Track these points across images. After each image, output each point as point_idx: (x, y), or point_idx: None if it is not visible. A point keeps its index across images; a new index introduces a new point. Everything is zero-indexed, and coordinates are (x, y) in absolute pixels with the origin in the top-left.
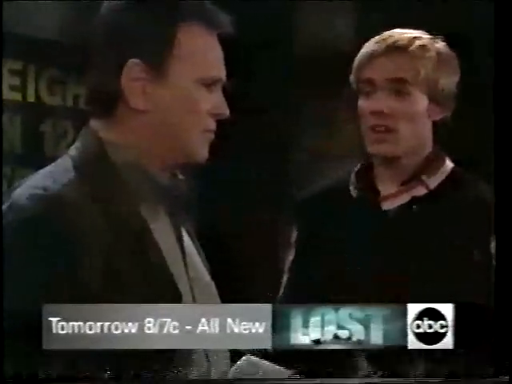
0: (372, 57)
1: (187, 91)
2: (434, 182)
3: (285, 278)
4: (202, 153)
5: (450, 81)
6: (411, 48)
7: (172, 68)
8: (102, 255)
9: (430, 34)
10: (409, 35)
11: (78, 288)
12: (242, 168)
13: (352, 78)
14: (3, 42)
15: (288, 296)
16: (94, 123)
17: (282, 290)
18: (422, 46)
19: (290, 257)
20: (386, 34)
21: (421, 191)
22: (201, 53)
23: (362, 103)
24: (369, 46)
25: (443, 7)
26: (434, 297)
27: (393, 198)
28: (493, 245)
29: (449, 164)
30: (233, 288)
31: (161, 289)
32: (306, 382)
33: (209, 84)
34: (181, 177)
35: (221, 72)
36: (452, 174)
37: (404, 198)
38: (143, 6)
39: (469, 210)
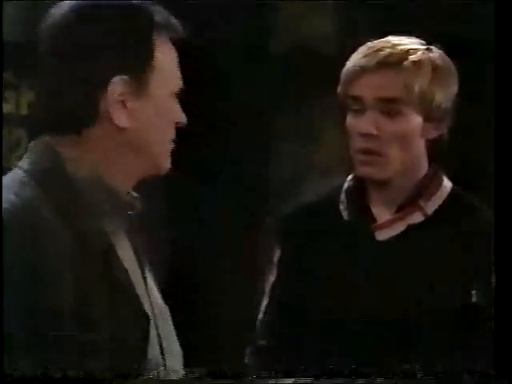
0: (361, 72)
1: (163, 104)
2: (431, 206)
3: (265, 302)
4: (167, 163)
5: (447, 95)
6: (404, 64)
7: (152, 82)
8: (71, 275)
9: (426, 42)
10: (401, 48)
11: (46, 310)
12: (217, 179)
13: (339, 91)
14: None
15: (267, 322)
16: (51, 137)
17: (261, 315)
18: (417, 61)
19: (272, 278)
20: (376, 45)
21: (417, 218)
22: (172, 63)
23: (349, 121)
24: (357, 60)
25: (442, 9)
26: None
27: (387, 227)
28: (494, 280)
29: (447, 184)
30: (206, 315)
31: (129, 310)
32: (305, 382)
33: (175, 95)
34: (134, 194)
35: (181, 81)
36: (451, 196)
37: (399, 227)
38: (114, 19)
39: (469, 237)
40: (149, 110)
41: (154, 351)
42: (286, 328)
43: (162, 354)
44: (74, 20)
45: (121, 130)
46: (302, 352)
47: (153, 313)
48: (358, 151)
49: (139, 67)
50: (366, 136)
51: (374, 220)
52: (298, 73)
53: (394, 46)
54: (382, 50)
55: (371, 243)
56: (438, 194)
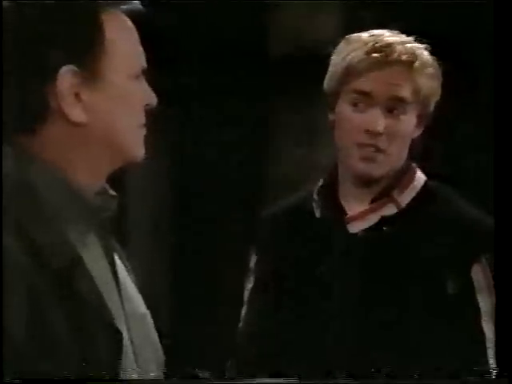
0: (371, 68)
1: (123, 89)
2: (405, 198)
3: (244, 310)
4: (140, 151)
5: (436, 98)
6: (415, 64)
7: (106, 67)
8: (29, 294)
9: (420, 41)
10: (410, 46)
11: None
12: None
13: (334, 82)
14: None
15: (248, 330)
16: (12, 138)
17: (241, 324)
18: (425, 62)
19: (249, 284)
20: (382, 39)
21: (391, 210)
22: (128, 41)
23: (350, 115)
24: (363, 54)
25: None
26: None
27: (360, 218)
28: (475, 274)
29: (420, 176)
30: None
31: (99, 329)
32: (306, 382)
33: (139, 75)
34: (111, 192)
35: (144, 59)
36: (424, 189)
37: (372, 219)
38: (59, 3)
39: (444, 229)
40: (107, 100)
41: (126, 361)
42: (265, 335)
43: (136, 362)
44: (9, 8)
45: (78, 124)
46: (282, 358)
47: (126, 323)
48: (360, 146)
49: (88, 53)
50: (372, 133)
51: (346, 215)
52: (299, 73)
53: (402, 43)
54: (392, 47)
55: (344, 236)
56: (412, 186)
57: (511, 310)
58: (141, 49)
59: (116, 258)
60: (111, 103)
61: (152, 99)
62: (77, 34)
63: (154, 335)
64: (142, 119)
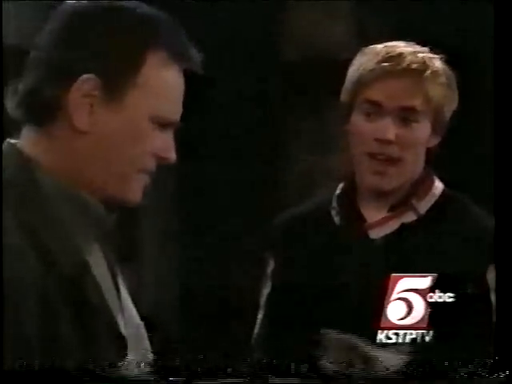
0: (381, 77)
1: (137, 125)
2: (424, 206)
3: (260, 315)
4: (134, 194)
5: (453, 105)
6: (426, 74)
7: (130, 96)
8: (39, 299)
9: (434, 52)
10: (421, 56)
11: (15, 338)
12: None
13: (349, 92)
14: None
15: (264, 334)
16: (21, 139)
17: (257, 328)
18: (436, 71)
19: (266, 290)
20: (393, 49)
21: (410, 217)
22: (164, 88)
23: (361, 124)
24: (375, 63)
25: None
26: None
27: (380, 225)
28: (490, 275)
29: (439, 184)
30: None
31: (105, 334)
32: (305, 382)
33: (163, 124)
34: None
35: (178, 114)
36: (443, 196)
37: (392, 226)
38: (114, 21)
39: (461, 234)
40: (116, 123)
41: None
42: (281, 341)
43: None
44: (81, 13)
45: (79, 131)
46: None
47: (125, 330)
48: (371, 156)
49: (115, 75)
50: (383, 141)
51: (365, 222)
52: (311, 79)
53: (413, 53)
54: (403, 57)
55: (365, 241)
56: (430, 194)
57: (511, 307)
58: (178, 101)
59: (117, 268)
60: (119, 128)
61: (168, 154)
62: (115, 53)
63: (148, 345)
64: (146, 165)
